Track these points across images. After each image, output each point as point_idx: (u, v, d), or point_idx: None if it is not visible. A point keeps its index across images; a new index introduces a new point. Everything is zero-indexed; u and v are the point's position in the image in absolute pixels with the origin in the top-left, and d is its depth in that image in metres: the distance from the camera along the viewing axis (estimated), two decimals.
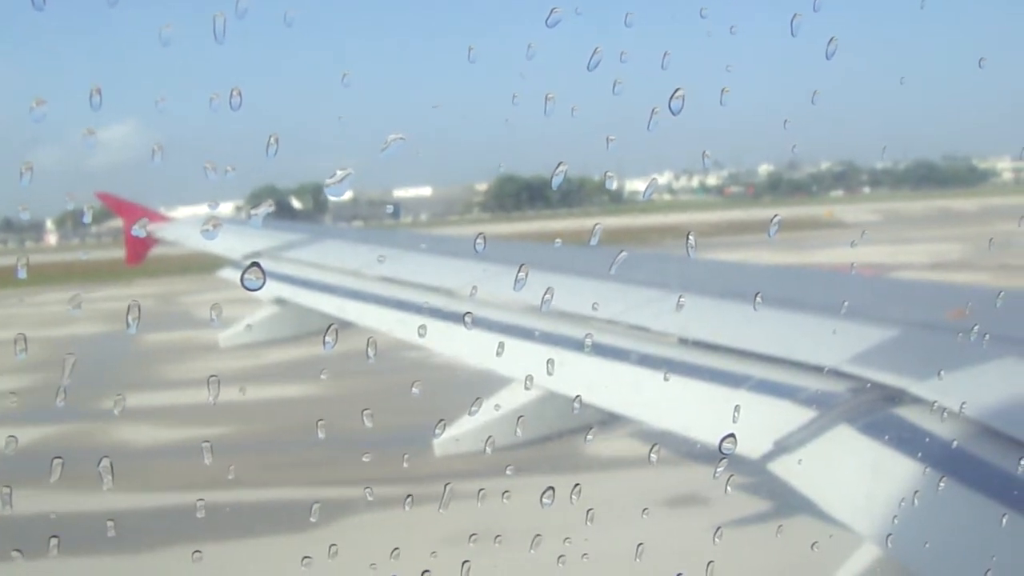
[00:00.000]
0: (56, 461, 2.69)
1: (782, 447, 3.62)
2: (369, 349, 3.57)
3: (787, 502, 3.67)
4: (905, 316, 4.60)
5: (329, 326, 3.31)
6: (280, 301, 8.57)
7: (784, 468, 3.55)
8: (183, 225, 11.37)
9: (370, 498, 9.58)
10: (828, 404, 3.80)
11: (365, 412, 3.81)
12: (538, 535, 3.68)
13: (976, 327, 3.83)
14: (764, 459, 3.60)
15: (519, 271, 3.59)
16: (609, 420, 4.66)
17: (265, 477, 12.53)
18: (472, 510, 3.87)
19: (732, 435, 3.39)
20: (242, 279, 2.52)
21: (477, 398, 4.62)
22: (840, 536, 3.22)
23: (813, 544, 3.80)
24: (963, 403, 3.30)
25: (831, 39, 3.21)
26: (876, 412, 3.64)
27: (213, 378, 3.10)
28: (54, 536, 3.05)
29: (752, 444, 3.61)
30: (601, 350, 4.99)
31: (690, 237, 3.83)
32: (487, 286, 5.94)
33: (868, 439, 3.51)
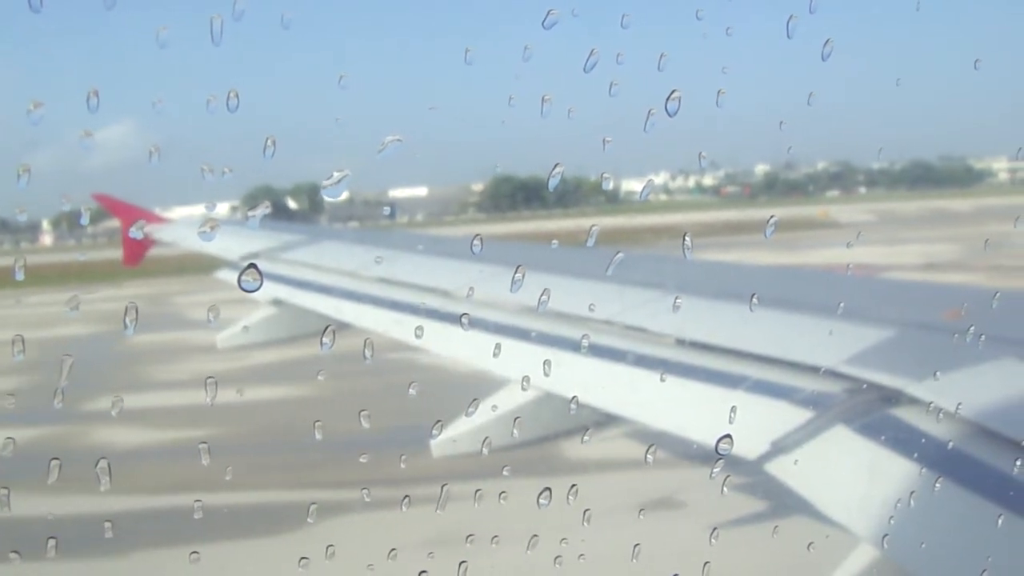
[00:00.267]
0: (53, 462, 2.69)
1: (779, 448, 3.62)
2: (366, 350, 3.57)
3: (784, 503, 3.68)
4: (902, 317, 4.61)
5: (326, 327, 3.31)
6: (278, 302, 8.57)
7: (781, 469, 3.55)
8: (180, 226, 11.36)
9: (367, 499, 9.60)
10: (825, 405, 3.81)
11: (362, 413, 3.81)
12: (535, 536, 3.68)
13: (972, 328, 3.84)
14: (761, 460, 3.60)
15: (516, 272, 3.59)
16: (606, 421, 4.67)
17: (262, 478, 12.53)
18: (469, 511, 3.87)
19: (729, 436, 3.39)
20: (239, 280, 2.52)
21: (474, 399, 4.62)
22: (836, 537, 3.23)
23: (809, 545, 3.80)
24: (959, 404, 3.31)
25: (827, 40, 3.22)
26: (873, 413, 3.65)
27: (210, 379, 3.10)
28: (52, 537, 3.05)
29: (749, 445, 3.62)
30: (598, 351, 4.99)
31: (686, 238, 3.84)
32: (484, 287, 5.94)
33: (865, 440, 3.52)
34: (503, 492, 4.13)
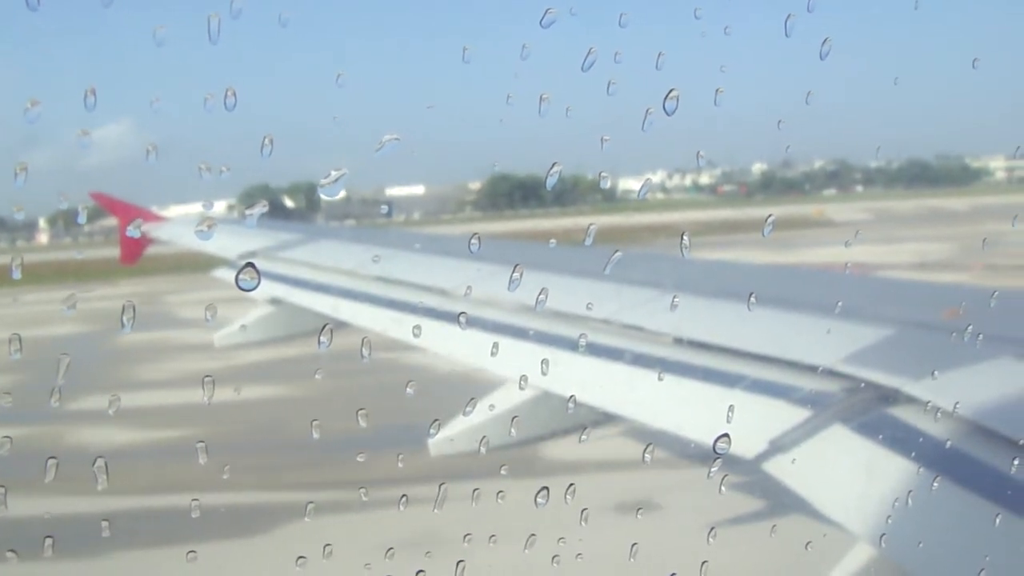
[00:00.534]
0: (50, 461, 2.69)
1: (776, 447, 3.62)
2: (364, 349, 3.57)
3: (781, 502, 3.67)
4: (899, 316, 4.61)
5: (324, 326, 3.30)
6: (275, 301, 8.57)
7: (778, 468, 3.55)
8: (178, 225, 11.36)
9: (365, 498, 9.59)
10: (822, 404, 3.81)
11: (360, 412, 3.80)
12: (532, 535, 3.68)
13: (970, 327, 3.84)
14: (758, 459, 3.60)
15: (514, 271, 3.59)
16: (604, 420, 4.66)
17: (259, 477, 12.52)
18: (467, 510, 3.87)
19: (726, 435, 3.39)
20: (237, 279, 2.52)
21: (472, 398, 4.62)
22: (834, 536, 3.23)
23: (807, 544, 3.81)
24: (957, 403, 3.31)
25: (825, 39, 3.22)
26: (870, 412, 3.65)
27: (208, 378, 3.09)
28: (48, 536, 3.04)
29: (746, 444, 3.62)
30: (595, 350, 4.99)
31: (684, 237, 3.84)
32: (481, 286, 5.93)
33: (862, 439, 3.52)
34: (501, 491, 4.13)
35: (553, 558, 4.16)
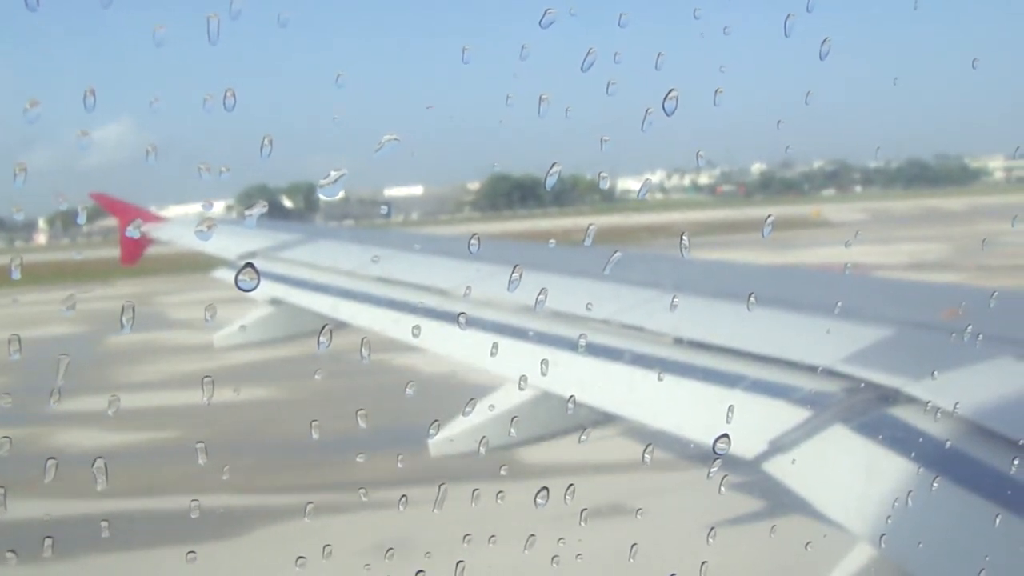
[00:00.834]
0: (50, 462, 2.69)
1: (776, 447, 3.62)
2: (363, 349, 3.57)
3: (781, 502, 3.67)
4: (899, 316, 4.61)
5: (324, 326, 3.30)
6: (275, 301, 8.56)
7: (778, 468, 3.55)
8: (177, 225, 11.35)
9: (364, 498, 9.60)
10: (822, 404, 3.81)
11: (359, 412, 3.80)
12: (532, 535, 3.68)
13: (970, 327, 3.84)
14: (758, 459, 3.60)
15: (513, 271, 3.59)
16: (603, 420, 4.66)
17: (259, 477, 12.52)
18: (466, 510, 3.87)
19: (726, 435, 3.39)
20: (236, 279, 2.51)
21: (471, 398, 4.61)
22: (834, 536, 3.23)
23: (807, 544, 3.81)
24: (957, 403, 3.31)
25: (825, 40, 3.22)
26: (870, 412, 3.65)
27: (207, 379, 3.09)
28: (48, 537, 3.04)
29: (746, 444, 3.62)
30: (595, 350, 4.99)
31: (684, 237, 3.83)
32: (481, 286, 5.93)
33: (862, 439, 3.52)
34: (500, 492, 4.13)
35: (553, 558, 4.16)
